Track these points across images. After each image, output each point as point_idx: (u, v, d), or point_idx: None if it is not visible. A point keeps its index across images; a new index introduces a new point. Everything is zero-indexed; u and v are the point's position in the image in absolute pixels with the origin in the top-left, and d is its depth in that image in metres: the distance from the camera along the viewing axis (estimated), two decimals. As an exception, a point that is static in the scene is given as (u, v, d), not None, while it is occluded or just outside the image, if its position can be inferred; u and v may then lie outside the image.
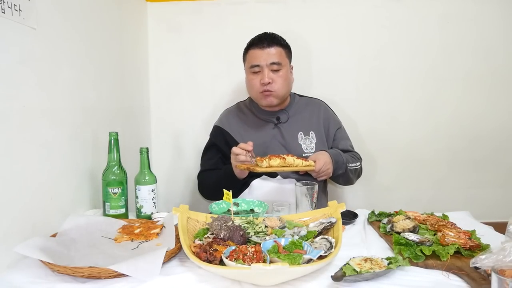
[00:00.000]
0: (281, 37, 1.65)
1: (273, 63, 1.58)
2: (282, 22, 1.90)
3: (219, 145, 1.70)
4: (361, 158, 1.72)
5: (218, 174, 1.63)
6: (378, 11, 2.04)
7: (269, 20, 2.03)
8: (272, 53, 1.59)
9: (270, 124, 1.68)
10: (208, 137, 1.78)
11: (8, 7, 1.01)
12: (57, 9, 1.25)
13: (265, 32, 1.64)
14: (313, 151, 1.65)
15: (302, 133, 1.67)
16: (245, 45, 1.66)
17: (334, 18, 2.06)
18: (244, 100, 1.83)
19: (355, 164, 1.62)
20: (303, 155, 1.64)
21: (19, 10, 1.06)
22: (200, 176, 1.74)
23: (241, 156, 1.43)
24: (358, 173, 1.69)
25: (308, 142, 1.66)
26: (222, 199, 1.21)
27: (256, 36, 1.64)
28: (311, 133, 1.68)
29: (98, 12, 1.56)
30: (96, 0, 1.54)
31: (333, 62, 2.07)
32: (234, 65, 2.11)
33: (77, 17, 1.39)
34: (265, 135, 1.67)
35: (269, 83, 1.57)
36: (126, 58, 1.85)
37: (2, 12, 0.99)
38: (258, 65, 1.58)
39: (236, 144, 1.63)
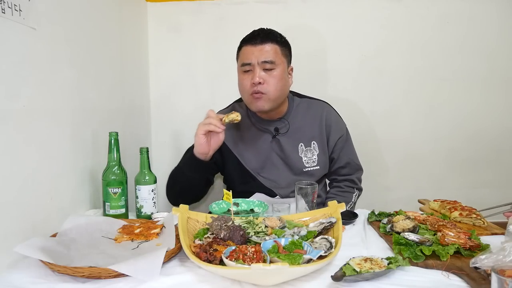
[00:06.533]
0: (278, 33, 1.50)
1: (265, 62, 1.41)
2: (282, 22, 1.90)
3: None
4: (358, 184, 1.64)
5: (180, 161, 1.48)
6: (378, 11, 2.04)
7: (269, 20, 2.03)
8: (265, 50, 1.42)
9: (268, 136, 1.55)
10: None
11: (8, 7, 1.01)
12: (57, 9, 1.25)
13: (261, 28, 1.50)
14: (314, 164, 1.56)
15: (302, 144, 1.55)
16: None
17: (334, 18, 2.06)
18: (240, 101, 1.64)
19: (351, 201, 1.56)
20: (304, 170, 1.55)
21: (19, 10, 1.06)
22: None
23: (211, 119, 1.31)
24: (356, 198, 1.62)
25: (309, 154, 1.55)
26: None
27: (250, 32, 1.50)
28: (313, 143, 1.56)
29: (98, 12, 1.56)
30: (96, 0, 1.54)
31: (333, 62, 2.08)
32: (234, 65, 2.11)
33: (77, 17, 1.39)
34: (263, 147, 1.55)
35: (259, 83, 1.41)
36: (126, 58, 1.85)
37: (2, 12, 0.99)
38: (249, 64, 1.42)
39: (231, 154, 1.56)
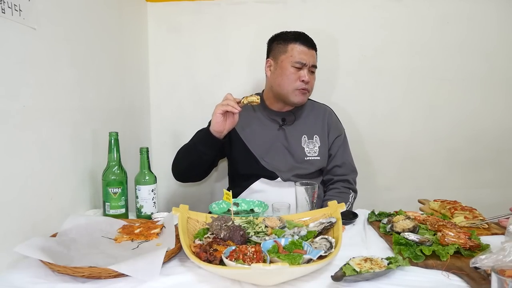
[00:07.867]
0: None
1: (314, 66, 1.64)
2: (282, 22, 1.90)
3: None
4: (353, 185, 1.69)
5: (192, 138, 1.59)
6: (378, 11, 2.04)
7: (269, 20, 2.03)
8: (314, 56, 1.64)
9: (275, 125, 1.68)
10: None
11: (8, 7, 1.01)
12: (57, 9, 1.25)
13: (303, 32, 1.66)
14: (316, 154, 1.65)
15: (305, 136, 1.67)
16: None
17: (333, 18, 2.06)
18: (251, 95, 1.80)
19: (348, 202, 1.62)
20: (305, 158, 1.64)
21: (19, 10, 1.06)
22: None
23: (229, 100, 1.43)
24: (353, 200, 1.68)
25: (311, 145, 1.66)
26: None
27: (298, 32, 1.65)
28: (315, 137, 1.68)
29: (98, 12, 1.56)
30: (96, 0, 1.54)
31: (333, 62, 2.07)
32: (234, 65, 2.11)
33: (77, 17, 1.39)
34: (269, 135, 1.66)
35: (308, 82, 1.60)
36: (126, 58, 1.85)
37: (2, 12, 0.99)
38: (304, 64, 1.59)
39: (238, 138, 1.66)
